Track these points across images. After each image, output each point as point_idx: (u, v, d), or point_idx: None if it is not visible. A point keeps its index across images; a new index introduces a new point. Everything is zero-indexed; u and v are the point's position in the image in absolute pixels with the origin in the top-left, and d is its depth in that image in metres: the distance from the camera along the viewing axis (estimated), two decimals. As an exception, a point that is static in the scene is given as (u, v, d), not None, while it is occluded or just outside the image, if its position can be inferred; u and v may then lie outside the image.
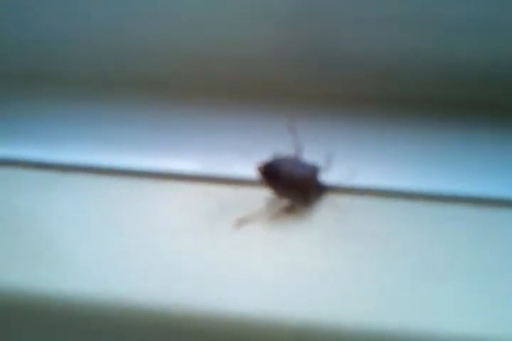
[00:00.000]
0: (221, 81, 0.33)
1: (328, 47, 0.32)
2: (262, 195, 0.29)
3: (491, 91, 0.32)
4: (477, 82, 0.32)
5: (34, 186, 0.30)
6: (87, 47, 0.34)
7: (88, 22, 0.33)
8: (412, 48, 0.31)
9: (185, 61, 0.33)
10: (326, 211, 0.29)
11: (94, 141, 0.32)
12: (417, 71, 0.32)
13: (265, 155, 0.29)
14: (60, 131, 0.32)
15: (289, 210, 0.29)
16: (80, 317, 0.27)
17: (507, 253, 0.27)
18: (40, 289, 0.27)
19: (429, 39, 0.31)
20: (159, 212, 0.29)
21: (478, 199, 0.29)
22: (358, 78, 0.33)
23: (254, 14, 0.32)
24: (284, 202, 0.29)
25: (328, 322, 0.26)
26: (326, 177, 0.29)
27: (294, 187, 0.29)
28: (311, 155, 0.29)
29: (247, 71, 0.33)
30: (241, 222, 0.28)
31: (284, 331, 0.26)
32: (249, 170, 0.29)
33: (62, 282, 0.27)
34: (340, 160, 0.29)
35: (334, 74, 0.33)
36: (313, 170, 0.29)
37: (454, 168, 0.30)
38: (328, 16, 0.31)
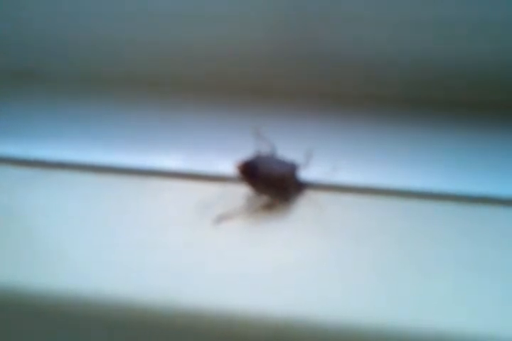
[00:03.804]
0: (207, 79, 0.33)
1: (315, 47, 0.32)
2: (243, 192, 0.29)
3: (475, 89, 0.32)
4: (459, 80, 0.32)
5: (18, 183, 0.31)
6: (73, 45, 0.34)
7: (78, 20, 0.33)
8: (400, 48, 0.32)
9: (172, 60, 0.33)
10: (305, 207, 0.29)
11: (78, 138, 0.32)
12: (403, 70, 0.32)
13: (248, 153, 0.29)
14: (44, 128, 0.33)
15: (269, 207, 0.29)
16: (67, 313, 0.27)
17: (486, 248, 0.27)
18: (23, 286, 0.27)
19: (416, 39, 0.31)
20: (142, 208, 0.29)
21: (460, 196, 0.29)
22: (343, 77, 0.33)
23: (245, 14, 0.32)
24: (264, 199, 0.29)
25: (309, 316, 0.26)
26: (307, 174, 0.29)
27: (272, 185, 0.29)
28: (291, 153, 0.30)
29: (234, 70, 0.33)
30: (220, 218, 0.29)
31: (267, 326, 0.26)
32: (231, 167, 0.29)
33: (47, 278, 0.27)
34: (321, 156, 0.30)
35: (320, 74, 0.33)
36: (292, 168, 0.29)
37: (435, 165, 0.30)
38: (319, 17, 0.31)
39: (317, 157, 0.30)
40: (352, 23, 0.31)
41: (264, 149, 0.30)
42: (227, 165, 0.29)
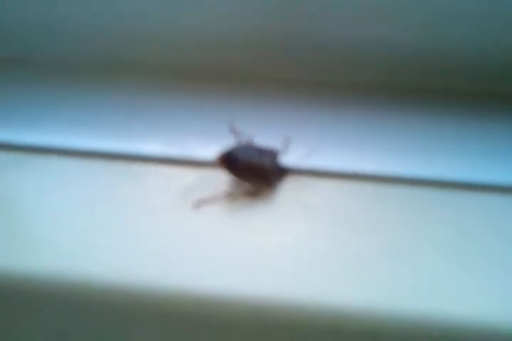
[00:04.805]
0: (189, 67, 0.33)
1: (302, 35, 0.32)
2: (225, 177, 0.30)
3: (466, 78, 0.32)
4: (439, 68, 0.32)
5: (4, 168, 0.31)
6: (60, 31, 0.33)
7: (64, 6, 0.33)
8: (385, 35, 0.32)
9: (155, 47, 0.33)
10: (286, 193, 0.30)
11: (63, 124, 0.32)
12: (389, 56, 0.32)
13: (229, 140, 0.30)
14: (30, 114, 0.33)
15: (252, 193, 0.30)
16: (50, 294, 0.28)
17: (466, 233, 0.28)
18: (10, 270, 0.28)
19: (401, 27, 0.31)
20: (127, 192, 0.30)
21: (441, 181, 0.30)
22: (326, 64, 0.33)
23: (234, 2, 0.31)
24: (247, 186, 0.30)
25: (289, 298, 0.27)
26: (288, 159, 0.30)
27: (253, 173, 0.29)
28: (277, 139, 0.30)
29: (214, 57, 0.33)
30: (200, 203, 0.29)
31: (250, 308, 0.27)
32: (213, 152, 0.30)
33: (33, 262, 0.28)
34: (303, 142, 0.30)
35: (301, 61, 0.33)
36: (272, 155, 0.30)
37: (415, 149, 0.31)
38: (308, 5, 0.31)
39: (297, 143, 0.30)
40: (340, 10, 0.31)
41: (243, 139, 0.30)
42: (210, 150, 0.30)
